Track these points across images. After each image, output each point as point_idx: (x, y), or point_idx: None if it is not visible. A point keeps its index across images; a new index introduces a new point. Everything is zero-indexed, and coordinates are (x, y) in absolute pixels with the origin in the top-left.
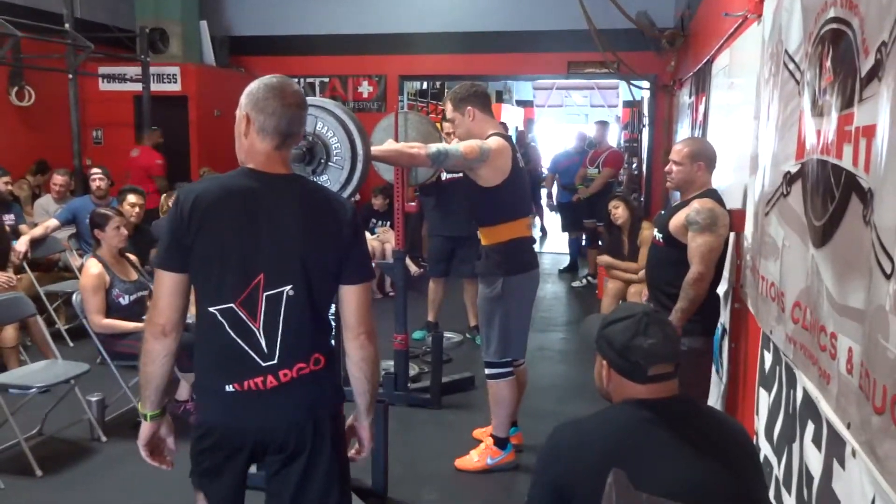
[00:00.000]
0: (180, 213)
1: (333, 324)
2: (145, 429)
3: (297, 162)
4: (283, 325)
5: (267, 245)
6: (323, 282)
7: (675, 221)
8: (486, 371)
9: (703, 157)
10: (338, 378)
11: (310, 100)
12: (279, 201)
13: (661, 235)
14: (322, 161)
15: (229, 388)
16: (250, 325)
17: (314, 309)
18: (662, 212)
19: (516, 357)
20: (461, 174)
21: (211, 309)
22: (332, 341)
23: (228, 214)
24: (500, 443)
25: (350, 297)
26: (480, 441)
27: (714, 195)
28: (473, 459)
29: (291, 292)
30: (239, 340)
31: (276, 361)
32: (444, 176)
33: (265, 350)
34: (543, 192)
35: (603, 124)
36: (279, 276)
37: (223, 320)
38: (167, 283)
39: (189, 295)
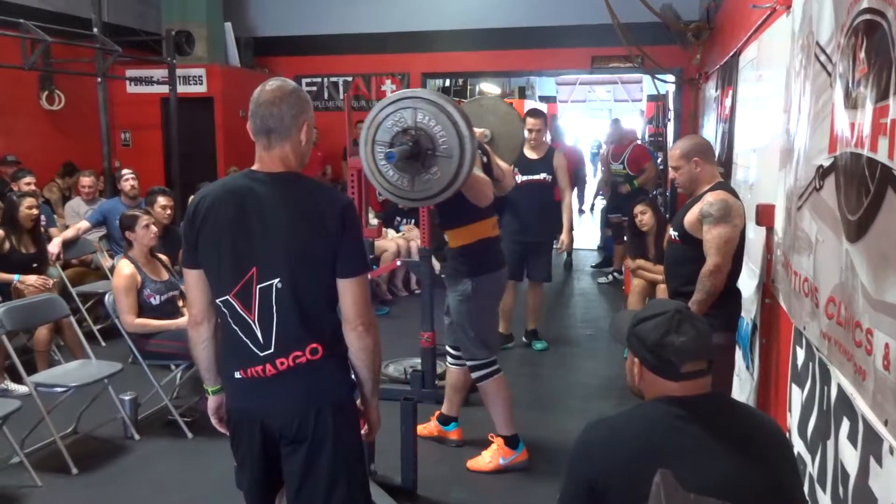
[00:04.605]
0: (188, 214)
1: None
2: (211, 402)
3: (407, 158)
4: (277, 316)
5: (258, 240)
6: (312, 274)
7: (690, 217)
8: (474, 375)
9: (696, 151)
10: (342, 369)
11: (405, 92)
12: (270, 198)
13: (676, 233)
14: (429, 152)
15: (237, 374)
16: (245, 316)
17: (304, 300)
18: None
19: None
20: (541, 175)
21: (217, 301)
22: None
23: (224, 212)
24: (511, 441)
25: (345, 290)
26: (492, 442)
27: (725, 186)
28: (485, 460)
29: (280, 285)
30: (238, 331)
31: (272, 350)
32: (519, 178)
33: (261, 340)
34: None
35: (616, 122)
36: (269, 269)
37: (226, 311)
38: (190, 279)
39: None
